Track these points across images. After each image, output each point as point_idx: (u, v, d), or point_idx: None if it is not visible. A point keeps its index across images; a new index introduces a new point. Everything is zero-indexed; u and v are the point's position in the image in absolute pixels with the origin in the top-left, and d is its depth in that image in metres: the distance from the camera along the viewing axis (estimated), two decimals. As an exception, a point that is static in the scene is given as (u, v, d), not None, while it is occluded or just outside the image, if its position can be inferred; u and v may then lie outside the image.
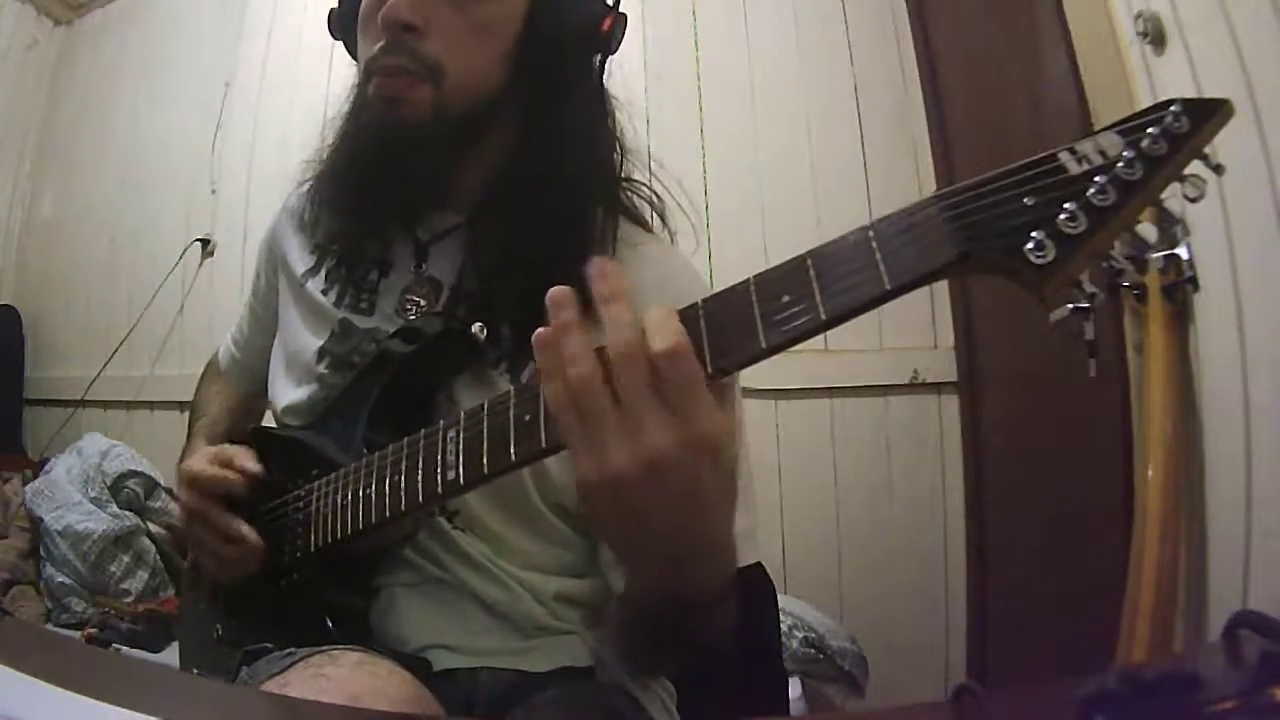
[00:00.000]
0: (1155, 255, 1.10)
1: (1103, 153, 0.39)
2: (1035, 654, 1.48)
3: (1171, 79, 1.08)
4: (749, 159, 1.98)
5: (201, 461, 0.75)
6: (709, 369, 0.45)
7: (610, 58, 0.76)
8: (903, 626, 1.78)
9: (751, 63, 2.03)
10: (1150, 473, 1.06)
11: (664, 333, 0.44)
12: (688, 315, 0.47)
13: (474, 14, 0.70)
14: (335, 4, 0.81)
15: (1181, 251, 1.07)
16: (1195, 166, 0.40)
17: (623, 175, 0.79)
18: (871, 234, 0.42)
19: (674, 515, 0.46)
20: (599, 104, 0.77)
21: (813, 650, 1.51)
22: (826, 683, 1.53)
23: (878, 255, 0.41)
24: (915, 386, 1.85)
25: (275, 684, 0.55)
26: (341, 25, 0.80)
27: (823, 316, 0.42)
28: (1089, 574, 1.31)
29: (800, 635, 1.51)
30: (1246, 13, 0.97)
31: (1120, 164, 0.38)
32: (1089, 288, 0.40)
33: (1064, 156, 0.40)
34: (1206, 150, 0.40)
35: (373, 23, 0.71)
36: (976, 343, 1.79)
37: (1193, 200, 0.40)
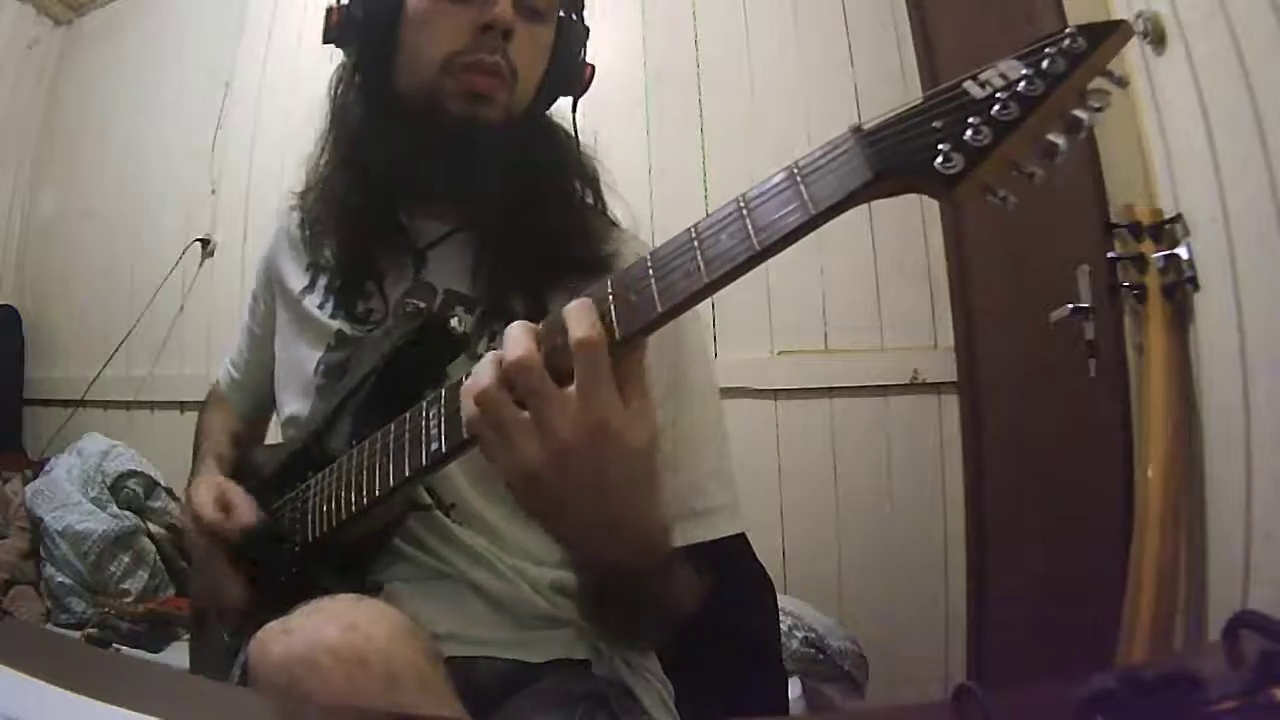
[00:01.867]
0: (1155, 255, 1.10)
1: (1004, 76, 0.42)
2: (1035, 654, 1.48)
3: (1171, 79, 1.08)
4: (749, 159, 1.98)
5: (206, 496, 0.76)
6: (659, 309, 0.48)
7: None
8: (903, 626, 1.78)
9: (751, 63, 2.03)
10: (1150, 473, 1.06)
11: (580, 323, 0.49)
12: (637, 268, 0.51)
13: (537, 34, 0.79)
14: (337, 5, 0.81)
15: (1181, 251, 1.07)
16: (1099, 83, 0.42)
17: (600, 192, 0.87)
18: (795, 170, 0.46)
19: (586, 498, 0.51)
20: (574, 131, 0.86)
21: (813, 650, 1.51)
22: (826, 683, 1.53)
23: (801, 187, 0.45)
24: (915, 386, 1.84)
25: (278, 625, 0.55)
26: (357, 30, 0.80)
27: (756, 247, 0.46)
28: (1089, 574, 1.31)
29: (800, 635, 1.51)
30: (1246, 13, 0.97)
31: (1021, 83, 0.41)
32: (1002, 193, 0.43)
33: (968, 84, 0.43)
34: (1110, 68, 0.42)
35: (445, 21, 0.76)
36: (976, 343, 1.79)
37: (1097, 110, 0.42)
